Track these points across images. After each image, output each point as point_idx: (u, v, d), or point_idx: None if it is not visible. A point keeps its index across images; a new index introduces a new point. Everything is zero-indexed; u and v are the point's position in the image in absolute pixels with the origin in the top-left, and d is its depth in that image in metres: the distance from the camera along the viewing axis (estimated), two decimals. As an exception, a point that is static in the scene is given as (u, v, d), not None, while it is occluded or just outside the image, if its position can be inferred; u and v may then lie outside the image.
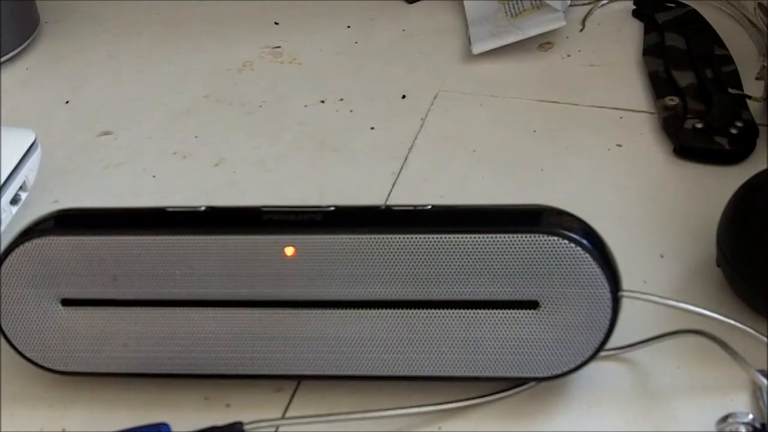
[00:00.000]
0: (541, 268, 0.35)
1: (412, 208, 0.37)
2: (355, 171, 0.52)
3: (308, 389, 0.40)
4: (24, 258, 0.37)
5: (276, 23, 0.66)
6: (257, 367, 0.38)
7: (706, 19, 0.61)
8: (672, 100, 0.54)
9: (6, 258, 0.37)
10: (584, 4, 0.65)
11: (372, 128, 0.55)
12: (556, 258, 0.35)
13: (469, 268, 0.36)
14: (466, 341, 0.37)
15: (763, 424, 0.36)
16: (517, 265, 0.35)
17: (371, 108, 0.57)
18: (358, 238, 0.36)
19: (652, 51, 0.59)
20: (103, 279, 0.37)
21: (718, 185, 0.44)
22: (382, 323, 0.37)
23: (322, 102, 0.57)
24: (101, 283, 0.37)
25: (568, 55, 0.60)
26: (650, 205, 0.48)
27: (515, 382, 0.38)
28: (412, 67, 0.60)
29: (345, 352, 0.38)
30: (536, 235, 0.35)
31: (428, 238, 0.35)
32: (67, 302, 0.38)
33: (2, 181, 0.47)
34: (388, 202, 0.49)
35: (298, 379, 0.40)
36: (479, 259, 0.35)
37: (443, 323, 0.37)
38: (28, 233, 0.37)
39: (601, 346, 0.37)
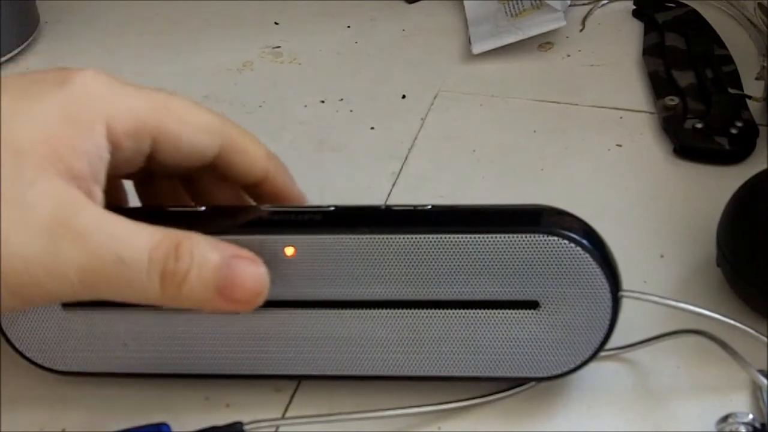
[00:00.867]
0: (541, 268, 0.35)
1: (412, 208, 0.37)
2: (354, 171, 0.52)
3: (308, 389, 0.40)
4: None
5: (276, 23, 0.66)
6: (258, 367, 0.38)
7: (706, 19, 0.61)
8: (672, 100, 0.54)
9: None
10: (584, 4, 0.65)
11: (372, 128, 0.55)
12: (556, 258, 0.35)
13: (469, 268, 0.36)
14: (466, 341, 0.37)
15: (763, 424, 0.36)
16: (518, 265, 0.35)
17: (371, 108, 0.57)
18: (359, 238, 0.36)
19: (652, 51, 0.59)
20: None
21: (718, 185, 0.44)
22: (383, 323, 0.37)
23: (322, 102, 0.57)
24: None
25: (568, 55, 0.60)
26: (650, 205, 0.48)
27: (515, 383, 0.38)
28: (412, 67, 0.60)
29: (345, 352, 0.38)
30: (536, 236, 0.35)
31: (428, 238, 0.35)
32: (67, 303, 0.38)
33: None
34: (388, 202, 0.49)
35: (299, 379, 0.40)
36: (479, 259, 0.35)
37: (443, 323, 0.37)
38: None
39: (602, 346, 0.37)
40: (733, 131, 0.51)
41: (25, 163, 0.32)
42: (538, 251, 0.35)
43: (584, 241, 0.35)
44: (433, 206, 0.37)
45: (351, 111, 0.57)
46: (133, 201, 0.51)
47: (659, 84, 0.56)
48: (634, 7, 0.64)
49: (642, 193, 0.49)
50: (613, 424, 0.38)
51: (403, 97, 0.58)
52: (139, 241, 0.32)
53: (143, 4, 0.68)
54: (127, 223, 0.32)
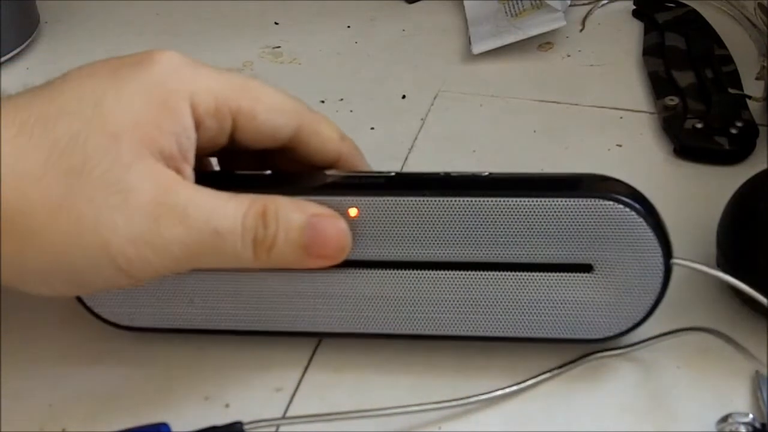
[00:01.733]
0: (596, 233, 0.36)
1: (471, 174, 0.38)
2: (355, 171, 0.52)
3: (308, 389, 0.40)
4: None
5: (276, 23, 0.66)
6: (316, 325, 0.39)
7: (706, 19, 0.61)
8: (672, 100, 0.54)
9: None
10: (584, 4, 0.65)
11: (372, 128, 0.55)
12: (611, 222, 0.36)
13: (526, 232, 0.36)
14: (521, 303, 0.38)
15: (763, 424, 0.36)
16: (573, 228, 0.36)
17: (371, 108, 0.57)
18: (420, 200, 0.37)
19: (652, 51, 0.59)
20: None
21: (718, 185, 0.44)
22: (442, 284, 0.38)
23: (322, 102, 0.57)
24: None
25: (568, 55, 0.60)
26: (650, 205, 0.48)
27: (540, 368, 0.39)
28: (412, 67, 0.60)
29: (403, 311, 0.39)
30: (593, 200, 0.36)
31: (488, 201, 0.36)
32: None
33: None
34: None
35: (357, 337, 0.40)
36: (537, 222, 0.36)
37: (500, 285, 0.38)
38: None
39: (652, 310, 0.37)
40: (733, 131, 0.51)
41: (121, 147, 0.33)
42: (594, 216, 0.36)
43: (639, 206, 0.36)
44: (490, 173, 0.38)
45: (351, 111, 0.57)
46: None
47: (659, 84, 0.56)
48: (634, 7, 0.64)
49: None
50: (614, 424, 0.38)
51: (403, 97, 0.58)
52: (231, 211, 0.34)
53: (143, 4, 0.68)
54: (217, 195, 0.35)
